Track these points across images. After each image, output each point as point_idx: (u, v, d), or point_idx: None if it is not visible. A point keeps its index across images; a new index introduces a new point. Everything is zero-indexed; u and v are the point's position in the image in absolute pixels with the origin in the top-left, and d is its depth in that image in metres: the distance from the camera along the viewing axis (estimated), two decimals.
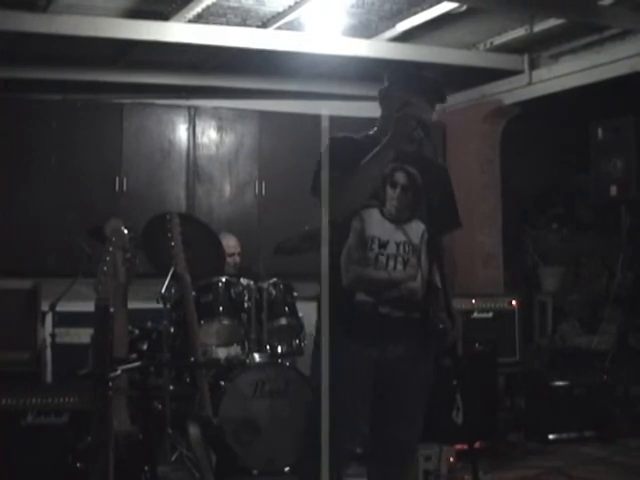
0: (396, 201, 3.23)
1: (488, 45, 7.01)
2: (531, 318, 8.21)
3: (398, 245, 3.22)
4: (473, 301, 6.74)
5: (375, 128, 3.37)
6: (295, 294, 5.68)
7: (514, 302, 6.81)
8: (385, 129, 3.18)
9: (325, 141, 2.80)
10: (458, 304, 6.81)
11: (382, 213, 3.22)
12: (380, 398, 3.25)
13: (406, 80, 3.32)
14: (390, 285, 3.19)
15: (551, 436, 6.23)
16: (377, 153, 3.11)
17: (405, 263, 3.22)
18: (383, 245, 3.20)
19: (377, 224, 3.21)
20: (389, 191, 3.23)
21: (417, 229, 3.26)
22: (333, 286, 3.22)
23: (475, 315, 6.68)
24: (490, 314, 6.71)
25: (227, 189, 7.59)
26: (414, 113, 3.13)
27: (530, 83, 7.28)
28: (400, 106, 3.19)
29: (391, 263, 3.20)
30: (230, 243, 6.30)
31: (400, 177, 3.25)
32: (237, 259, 6.38)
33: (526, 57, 7.24)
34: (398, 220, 3.23)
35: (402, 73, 3.42)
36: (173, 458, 4.92)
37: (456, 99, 8.07)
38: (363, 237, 3.20)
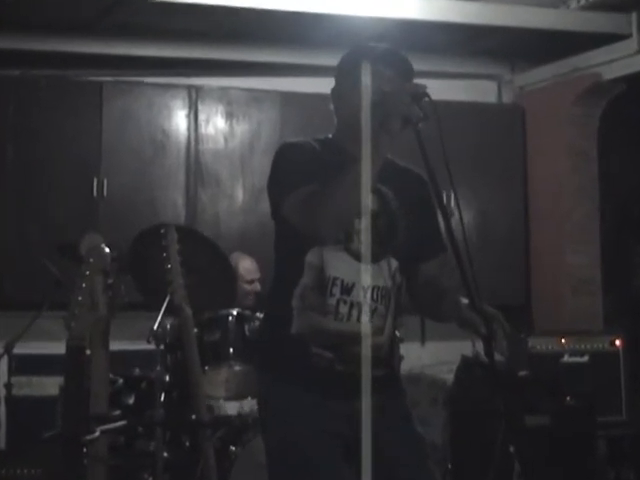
0: (364, 233, 3.21)
1: (582, 2, 6.99)
2: None
3: (365, 290, 3.23)
4: (563, 341, 6.74)
5: (331, 133, 3.37)
6: None
7: (618, 342, 6.79)
8: (347, 131, 3.19)
9: (366, 106, 2.81)
10: (543, 344, 6.80)
11: (346, 249, 3.21)
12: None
13: (373, 55, 3.27)
14: (352, 339, 3.20)
15: None
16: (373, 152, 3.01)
17: (372, 313, 3.24)
18: (346, 290, 3.21)
19: (340, 263, 3.21)
20: (355, 221, 3.20)
21: (389, 268, 3.28)
22: (279, 333, 3.24)
23: (566, 359, 6.68)
24: (586, 358, 6.70)
25: (239, 194, 7.60)
26: (405, 86, 3.09)
27: (639, 51, 7.23)
28: (376, 87, 3.14)
29: (354, 313, 3.21)
30: (248, 266, 6.33)
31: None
32: (258, 287, 6.43)
33: (634, 16, 7.19)
34: (366, 258, 3.22)
35: (361, 49, 3.37)
36: None
37: (539, 74, 8.05)
38: (322, 278, 3.20)
